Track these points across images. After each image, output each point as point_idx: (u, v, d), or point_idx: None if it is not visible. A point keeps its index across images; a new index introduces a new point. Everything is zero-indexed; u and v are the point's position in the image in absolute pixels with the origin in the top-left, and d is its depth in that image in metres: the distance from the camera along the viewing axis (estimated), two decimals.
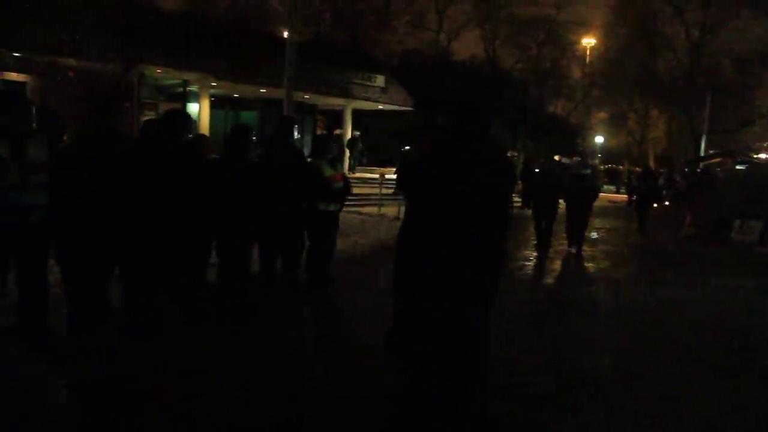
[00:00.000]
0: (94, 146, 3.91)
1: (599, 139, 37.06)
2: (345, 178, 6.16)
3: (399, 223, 8.18)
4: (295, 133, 5.99)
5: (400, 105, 22.41)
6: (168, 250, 4.34)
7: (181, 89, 17.30)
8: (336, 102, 20.81)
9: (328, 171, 5.87)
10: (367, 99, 20.78)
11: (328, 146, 6.06)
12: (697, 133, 29.38)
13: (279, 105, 20.60)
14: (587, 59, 34.98)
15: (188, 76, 16.18)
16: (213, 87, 17.05)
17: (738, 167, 16.81)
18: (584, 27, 34.54)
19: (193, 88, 17.22)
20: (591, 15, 37.06)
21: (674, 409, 3.62)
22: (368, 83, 20.68)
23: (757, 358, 4.82)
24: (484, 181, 2.52)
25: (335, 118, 22.77)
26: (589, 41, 34.74)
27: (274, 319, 5.07)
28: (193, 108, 17.28)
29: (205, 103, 17.19)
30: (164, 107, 15.33)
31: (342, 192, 6.02)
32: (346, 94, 19.96)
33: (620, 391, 3.87)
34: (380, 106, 22.02)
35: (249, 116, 20.84)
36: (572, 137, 31.16)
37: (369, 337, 4.23)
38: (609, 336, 5.31)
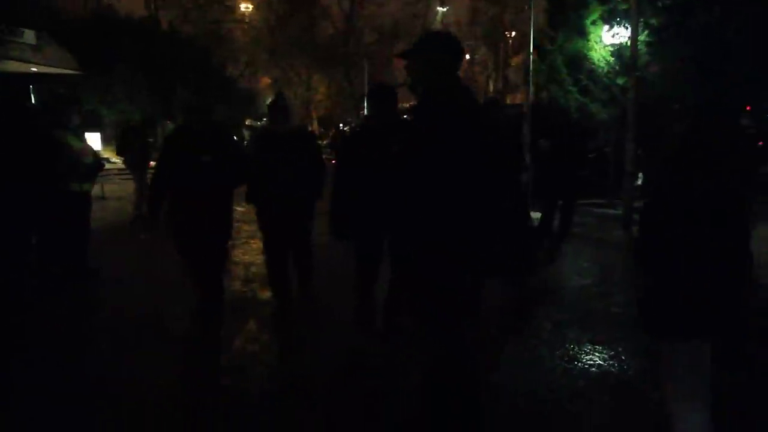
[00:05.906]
0: None
1: None
2: (94, 152, 5.11)
3: (105, 203, 7.13)
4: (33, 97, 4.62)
5: (58, 66, 18.97)
6: None
7: None
8: None
9: (76, 143, 4.80)
10: (14, 59, 16.88)
11: (70, 112, 4.88)
12: (357, 95, 32.98)
13: None
14: (246, 25, 35.69)
15: None
16: None
17: None
18: None
19: None
20: None
21: None
22: (13, 39, 16.78)
23: None
24: None
25: None
26: (247, 6, 35.64)
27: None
28: None
29: None
30: None
31: (95, 168, 5.00)
32: None
33: None
34: (33, 69, 18.22)
35: None
36: (250, 101, 31.38)
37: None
38: None
